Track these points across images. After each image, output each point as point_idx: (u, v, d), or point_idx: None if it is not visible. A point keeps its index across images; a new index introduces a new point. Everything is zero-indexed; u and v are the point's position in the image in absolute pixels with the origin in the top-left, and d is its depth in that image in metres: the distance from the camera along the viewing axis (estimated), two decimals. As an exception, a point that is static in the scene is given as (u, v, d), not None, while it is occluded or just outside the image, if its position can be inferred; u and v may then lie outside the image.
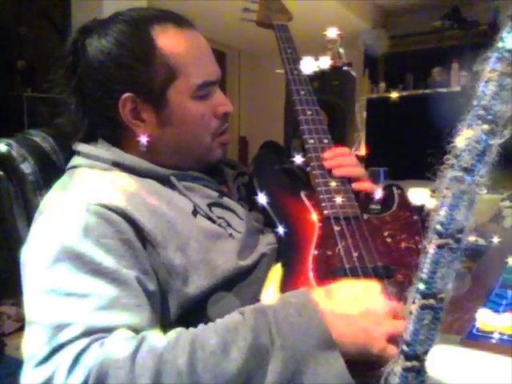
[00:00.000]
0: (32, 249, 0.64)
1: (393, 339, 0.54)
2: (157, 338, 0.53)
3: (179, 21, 0.79)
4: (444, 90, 4.20)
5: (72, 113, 0.79)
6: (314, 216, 0.80)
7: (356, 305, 0.57)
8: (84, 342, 0.53)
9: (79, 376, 0.50)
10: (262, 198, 0.83)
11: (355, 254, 0.72)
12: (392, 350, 0.53)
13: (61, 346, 0.53)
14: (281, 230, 0.79)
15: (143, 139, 0.76)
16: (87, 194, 0.68)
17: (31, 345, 0.55)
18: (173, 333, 0.55)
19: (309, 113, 0.93)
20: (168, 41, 0.76)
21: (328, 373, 0.51)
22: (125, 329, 0.55)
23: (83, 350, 0.52)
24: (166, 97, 0.76)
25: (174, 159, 0.81)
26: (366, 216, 0.81)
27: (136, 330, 0.56)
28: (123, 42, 0.75)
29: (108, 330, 0.55)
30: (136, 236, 0.66)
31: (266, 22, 1.11)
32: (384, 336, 0.54)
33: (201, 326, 0.56)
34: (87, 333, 0.54)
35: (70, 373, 0.50)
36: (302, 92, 0.96)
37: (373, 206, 0.85)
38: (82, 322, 0.55)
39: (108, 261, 0.60)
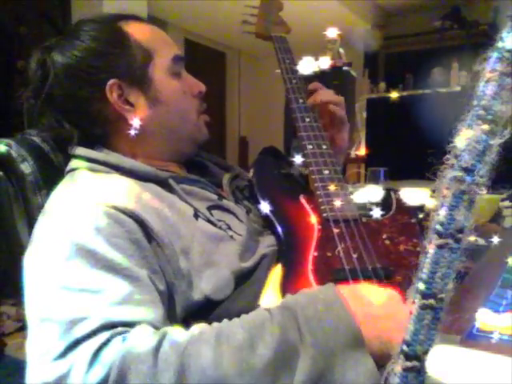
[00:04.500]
0: (41, 248, 0.64)
1: None
2: (179, 333, 0.53)
3: (138, 18, 0.87)
4: (444, 89, 4.21)
5: (54, 124, 0.80)
6: (314, 219, 0.81)
7: (380, 307, 0.56)
8: (104, 335, 0.52)
9: (100, 370, 0.49)
10: (263, 204, 0.84)
11: (354, 256, 0.72)
12: None
13: (78, 341, 0.52)
14: (281, 232, 0.79)
15: (136, 122, 0.78)
16: (94, 195, 0.68)
17: (43, 341, 0.54)
18: (195, 327, 0.54)
19: (307, 120, 0.96)
20: (135, 29, 0.82)
21: (358, 371, 0.50)
22: (145, 324, 0.55)
23: (104, 344, 0.51)
24: (148, 77, 0.80)
25: (167, 142, 0.84)
26: (364, 219, 0.82)
27: (154, 326, 0.56)
28: (97, 36, 0.80)
29: (126, 325, 0.54)
30: (144, 236, 0.66)
31: (265, 34, 1.15)
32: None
33: (225, 321, 0.55)
34: (104, 327, 0.53)
35: (90, 366, 0.49)
36: (301, 100, 0.99)
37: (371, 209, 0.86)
38: (99, 316, 0.54)
39: (120, 259, 0.60)
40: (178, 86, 0.84)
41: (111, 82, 0.77)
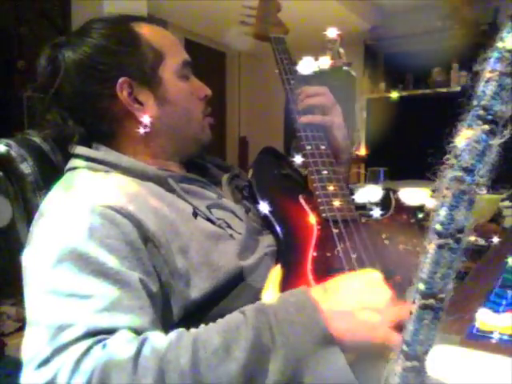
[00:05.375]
0: (35, 249, 0.64)
1: (398, 326, 0.53)
2: (159, 339, 0.53)
3: (148, 20, 0.87)
4: (444, 89, 4.21)
5: (59, 121, 0.80)
6: (313, 219, 0.81)
7: (355, 298, 0.57)
8: (86, 343, 0.52)
9: (82, 378, 0.49)
10: (262, 204, 0.84)
11: (354, 256, 0.72)
12: (396, 337, 0.52)
13: (63, 347, 0.52)
14: (280, 232, 0.79)
15: (146, 120, 0.79)
16: (91, 195, 0.68)
17: (32, 345, 0.55)
18: (174, 333, 0.55)
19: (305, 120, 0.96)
20: (146, 31, 0.83)
21: (329, 369, 0.51)
22: (127, 330, 0.55)
23: (85, 352, 0.51)
24: (158, 77, 0.81)
25: (172, 141, 0.84)
26: (363, 219, 0.82)
27: (138, 332, 0.56)
28: (108, 34, 0.80)
29: (110, 332, 0.54)
30: (140, 237, 0.65)
31: (263, 35, 1.15)
32: (386, 324, 0.54)
33: (202, 326, 0.56)
34: (89, 334, 0.53)
35: (72, 375, 0.50)
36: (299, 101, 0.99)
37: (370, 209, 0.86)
38: (84, 322, 0.54)
39: (112, 262, 0.60)
40: (186, 87, 0.85)
41: (122, 79, 0.78)
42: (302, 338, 0.52)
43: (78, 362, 0.50)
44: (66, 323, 0.54)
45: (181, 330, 0.56)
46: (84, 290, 0.57)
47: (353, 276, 0.62)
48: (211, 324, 0.56)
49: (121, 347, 0.51)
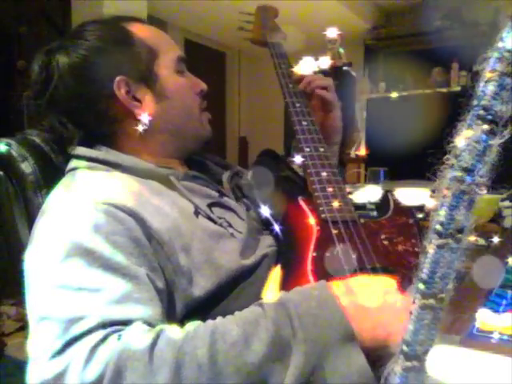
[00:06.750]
0: (40, 246, 0.64)
1: None
2: (174, 330, 0.53)
3: (139, 20, 0.88)
4: (444, 89, 4.21)
5: (57, 126, 0.80)
6: (312, 220, 0.81)
7: (375, 299, 0.56)
8: (101, 333, 0.52)
9: (96, 367, 0.49)
10: (263, 207, 0.84)
11: (353, 256, 0.72)
12: None
13: (76, 339, 0.52)
14: (280, 233, 0.79)
15: (144, 117, 0.79)
16: (93, 193, 0.68)
17: (42, 339, 0.54)
18: (191, 325, 0.54)
19: (304, 123, 0.97)
20: (138, 29, 0.83)
21: (349, 366, 0.51)
22: (141, 322, 0.55)
23: (100, 342, 0.51)
24: (154, 73, 0.82)
25: (172, 138, 0.84)
26: (363, 220, 0.82)
27: (151, 324, 0.56)
28: (102, 35, 0.81)
29: (123, 323, 0.54)
30: (144, 234, 0.66)
31: (261, 41, 1.17)
32: (400, 332, 0.54)
33: (219, 319, 0.55)
34: (103, 325, 0.53)
35: (86, 364, 0.49)
36: (298, 104, 1.01)
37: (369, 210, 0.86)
38: (97, 314, 0.54)
39: (118, 257, 0.60)
40: (183, 82, 0.85)
41: (118, 78, 0.78)
42: (324, 333, 0.51)
43: (93, 351, 0.50)
44: (77, 316, 0.54)
45: (197, 321, 0.55)
46: (94, 283, 0.57)
47: (370, 279, 0.62)
48: (228, 316, 0.55)
49: (137, 338, 0.51)
